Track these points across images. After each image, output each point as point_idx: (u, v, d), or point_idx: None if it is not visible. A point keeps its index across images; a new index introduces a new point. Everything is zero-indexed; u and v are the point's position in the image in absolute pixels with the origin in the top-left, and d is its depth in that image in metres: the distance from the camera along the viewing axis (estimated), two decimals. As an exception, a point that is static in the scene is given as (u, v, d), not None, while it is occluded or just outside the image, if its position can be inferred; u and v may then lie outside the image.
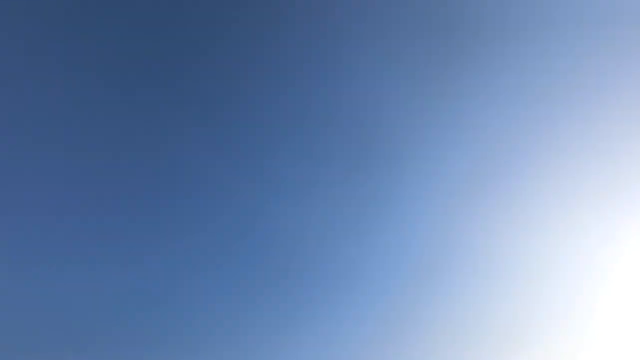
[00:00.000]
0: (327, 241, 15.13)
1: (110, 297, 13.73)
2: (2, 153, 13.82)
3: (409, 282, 15.12)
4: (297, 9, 15.28)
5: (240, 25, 15.29)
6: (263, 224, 14.93)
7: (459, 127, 15.56)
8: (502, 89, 15.60)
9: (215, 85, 15.15)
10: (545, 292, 15.03)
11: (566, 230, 15.19)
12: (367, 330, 14.78)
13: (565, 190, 15.34)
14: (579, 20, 15.08)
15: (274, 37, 15.32)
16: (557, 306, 14.94)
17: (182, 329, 13.90)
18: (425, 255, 15.41)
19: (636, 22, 15.11)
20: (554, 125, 15.48)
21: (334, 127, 15.37)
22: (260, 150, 15.06)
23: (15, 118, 14.13)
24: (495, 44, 15.50)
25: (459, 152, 15.62)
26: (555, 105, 15.25)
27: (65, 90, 14.44)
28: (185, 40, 15.09)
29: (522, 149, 15.61)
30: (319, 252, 15.02)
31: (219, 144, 15.00)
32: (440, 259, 15.42)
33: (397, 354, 14.68)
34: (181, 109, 14.95)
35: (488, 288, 15.32)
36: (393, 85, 15.51)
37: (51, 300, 13.56)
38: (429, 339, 14.96)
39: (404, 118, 15.51)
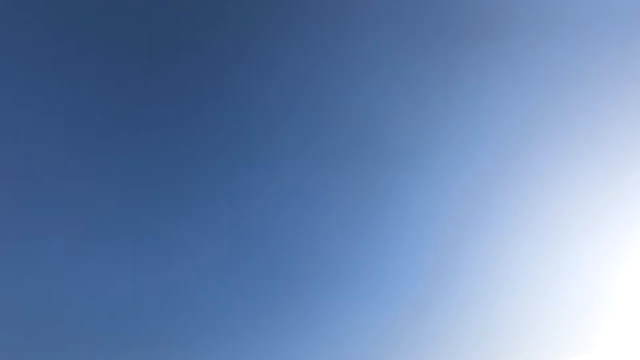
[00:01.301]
0: (336, 245, 14.98)
1: (119, 298, 13.44)
2: (1, 151, 13.51)
3: (418, 286, 15.00)
4: (299, 11, 15.26)
5: (244, 28, 15.22)
6: (272, 226, 14.74)
7: (467, 130, 15.58)
8: (509, 90, 15.67)
9: (222, 88, 15.02)
10: (556, 296, 14.96)
11: (577, 233, 15.18)
12: (375, 333, 14.64)
13: (574, 192, 15.36)
14: (586, 21, 15.24)
15: (276, 39, 15.27)
16: (567, 310, 14.87)
17: (190, 330, 13.62)
18: (434, 259, 15.33)
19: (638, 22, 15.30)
20: (561, 127, 15.55)
21: (342, 130, 15.30)
22: (267, 152, 14.92)
23: (14, 116, 13.86)
24: (501, 45, 15.61)
25: (466, 156, 15.61)
26: (563, 107, 15.34)
27: (63, 89, 14.22)
28: (187, 40, 14.98)
29: (529, 151, 15.65)
30: (328, 255, 14.86)
31: (228, 148, 14.84)
32: (449, 263, 15.34)
33: (405, 357, 14.51)
34: (185, 110, 14.79)
35: (496, 292, 15.24)
36: (400, 89, 15.51)
37: (51, 299, 13.25)
38: (438, 343, 14.81)
39: (412, 121, 15.49)
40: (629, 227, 15.21)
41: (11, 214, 13.24)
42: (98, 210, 13.64)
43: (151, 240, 13.98)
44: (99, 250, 13.57)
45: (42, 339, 12.78)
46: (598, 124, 15.22)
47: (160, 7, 14.68)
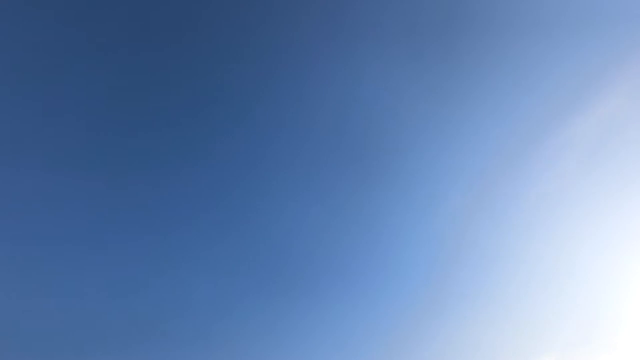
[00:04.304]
0: (341, 244, 14.91)
1: (111, 297, 13.36)
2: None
3: (423, 285, 14.90)
4: (299, 10, 15.28)
5: (247, 29, 15.24)
6: (274, 227, 14.66)
7: (468, 129, 15.55)
8: (509, 91, 15.66)
9: (215, 84, 14.98)
10: (561, 293, 14.86)
11: (581, 233, 15.09)
12: (379, 336, 14.51)
13: (575, 190, 15.32)
14: (584, 22, 15.27)
15: (279, 41, 15.28)
16: (574, 307, 14.76)
17: (187, 331, 13.52)
18: (436, 258, 15.23)
19: (636, 22, 15.33)
20: (561, 126, 15.52)
21: (344, 132, 15.27)
22: (272, 154, 14.89)
23: (13, 118, 13.83)
24: (501, 48, 15.61)
25: (468, 155, 15.57)
26: (564, 106, 15.32)
27: (63, 92, 14.20)
28: (185, 42, 14.98)
29: (529, 150, 15.62)
30: (333, 255, 14.78)
31: (229, 150, 14.79)
32: (452, 263, 15.26)
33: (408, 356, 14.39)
34: (175, 110, 14.77)
35: (500, 292, 15.13)
36: (403, 89, 15.49)
37: (46, 300, 13.18)
38: (442, 342, 14.68)
39: (415, 121, 15.46)
40: (634, 226, 15.10)
41: (12, 216, 13.18)
42: (103, 211, 13.59)
43: (136, 238, 13.91)
44: (102, 252, 13.51)
45: (50, 339, 12.70)
46: (599, 123, 15.21)
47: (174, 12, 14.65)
